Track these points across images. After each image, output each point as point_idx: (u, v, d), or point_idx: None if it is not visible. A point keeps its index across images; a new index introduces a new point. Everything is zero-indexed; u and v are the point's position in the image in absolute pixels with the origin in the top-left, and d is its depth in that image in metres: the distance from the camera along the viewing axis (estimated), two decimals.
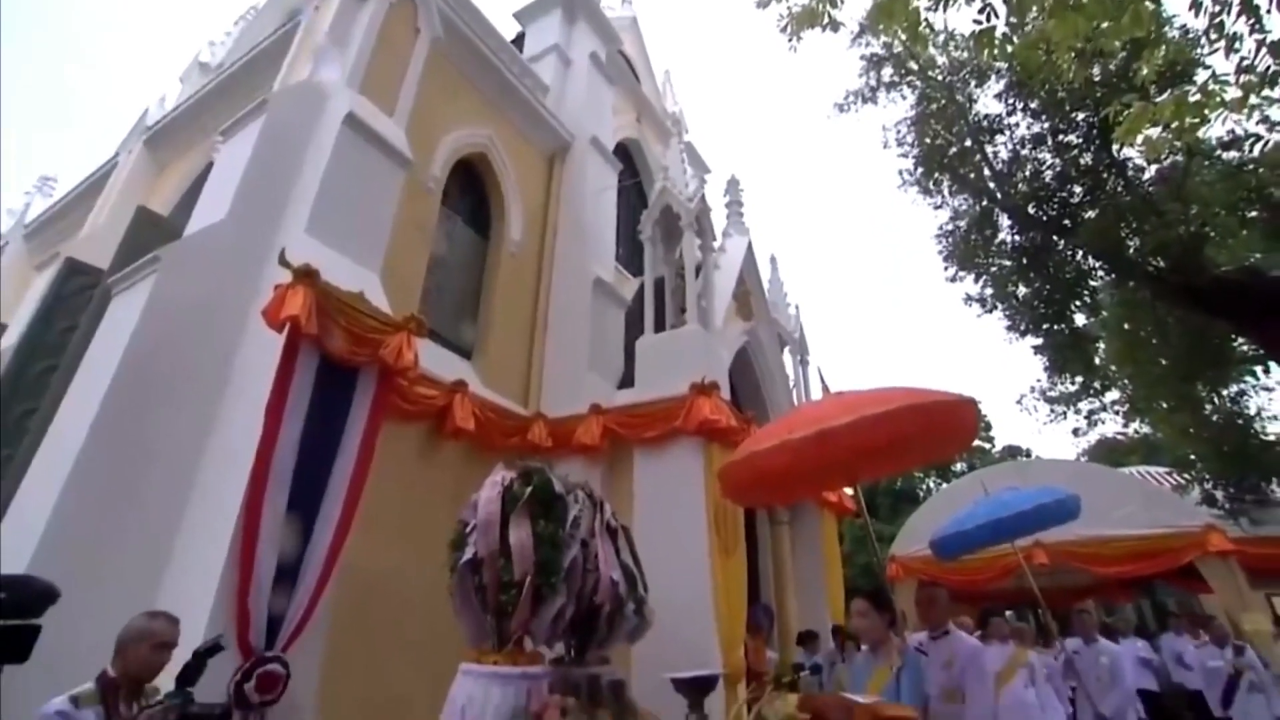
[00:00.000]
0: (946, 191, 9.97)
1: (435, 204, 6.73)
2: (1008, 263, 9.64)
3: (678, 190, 7.32)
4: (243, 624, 3.50)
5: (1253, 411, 10.03)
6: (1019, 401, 14.45)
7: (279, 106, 5.34)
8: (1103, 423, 12.23)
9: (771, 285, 9.91)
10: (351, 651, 4.34)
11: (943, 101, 9.18)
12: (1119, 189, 8.36)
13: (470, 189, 7.66)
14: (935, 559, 6.41)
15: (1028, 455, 21.48)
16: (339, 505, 4.03)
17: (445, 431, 5.47)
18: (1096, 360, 10.88)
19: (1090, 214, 8.49)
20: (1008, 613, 5.84)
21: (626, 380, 6.81)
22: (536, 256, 7.85)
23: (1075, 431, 12.82)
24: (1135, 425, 14.56)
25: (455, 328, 6.79)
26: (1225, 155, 7.72)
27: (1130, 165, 8.38)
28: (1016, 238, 9.67)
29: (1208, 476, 10.09)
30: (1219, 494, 9.85)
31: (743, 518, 5.71)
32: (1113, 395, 11.98)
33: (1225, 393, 10.13)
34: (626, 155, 10.82)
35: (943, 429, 3.07)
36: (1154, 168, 8.15)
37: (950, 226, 10.05)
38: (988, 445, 24.43)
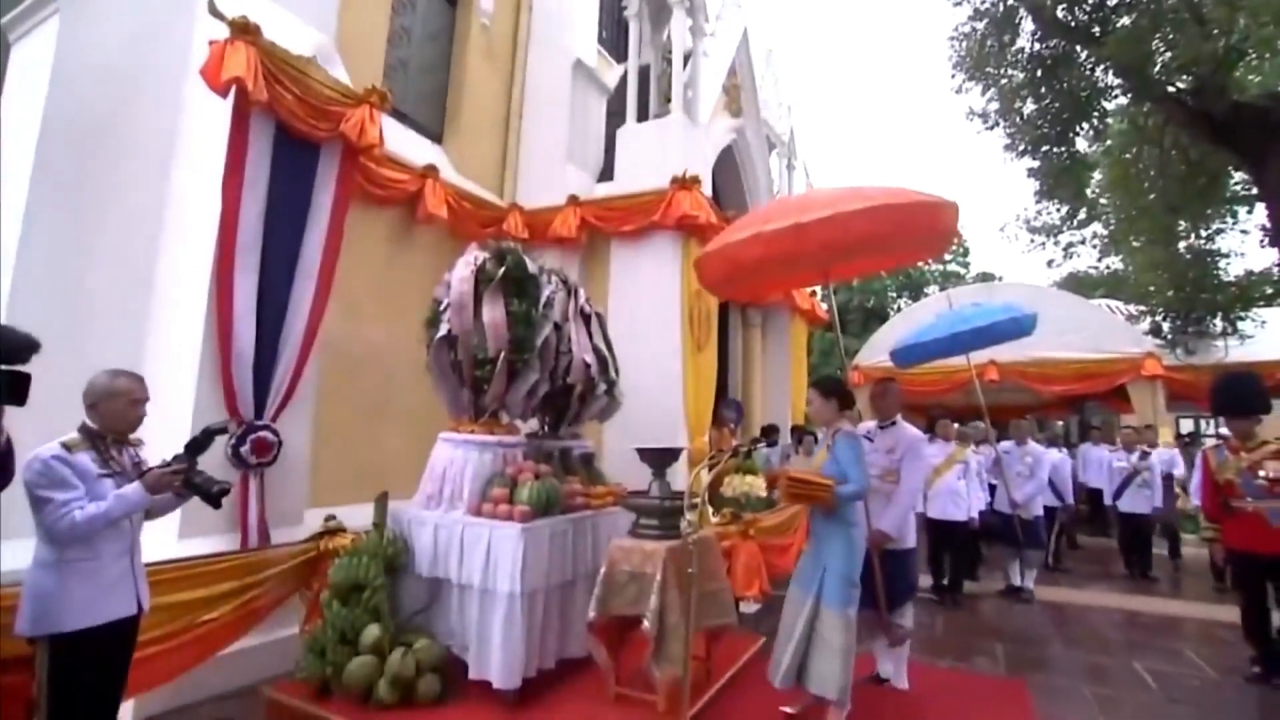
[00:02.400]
0: None
1: None
2: (1020, 74, 9.06)
3: None
4: (229, 395, 3.64)
5: (1224, 251, 10.29)
6: (1002, 229, 14.41)
7: None
8: (1077, 255, 12.45)
9: (765, 81, 9.14)
10: (340, 420, 4.60)
11: None
12: None
13: None
14: (895, 368, 6.79)
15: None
16: (312, 282, 3.99)
17: (418, 218, 5.29)
18: (1088, 192, 10.77)
19: (1125, 20, 7.79)
20: (955, 425, 6.36)
21: (606, 173, 6.53)
22: (511, 32, 7.01)
23: (1050, 263, 13.05)
24: (1107, 261, 14.86)
25: (423, 109, 6.25)
26: None
27: None
28: (1036, 45, 8.96)
29: (1161, 308, 10.53)
30: (1166, 325, 10.35)
31: (715, 316, 5.88)
32: (1093, 229, 12.06)
33: (1204, 231, 10.28)
34: None
35: (920, 230, 2.99)
36: None
37: (968, 28, 9.22)
38: (963, 270, 24.78)
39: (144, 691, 2.81)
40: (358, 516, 3.64)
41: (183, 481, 2.22)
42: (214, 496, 2.28)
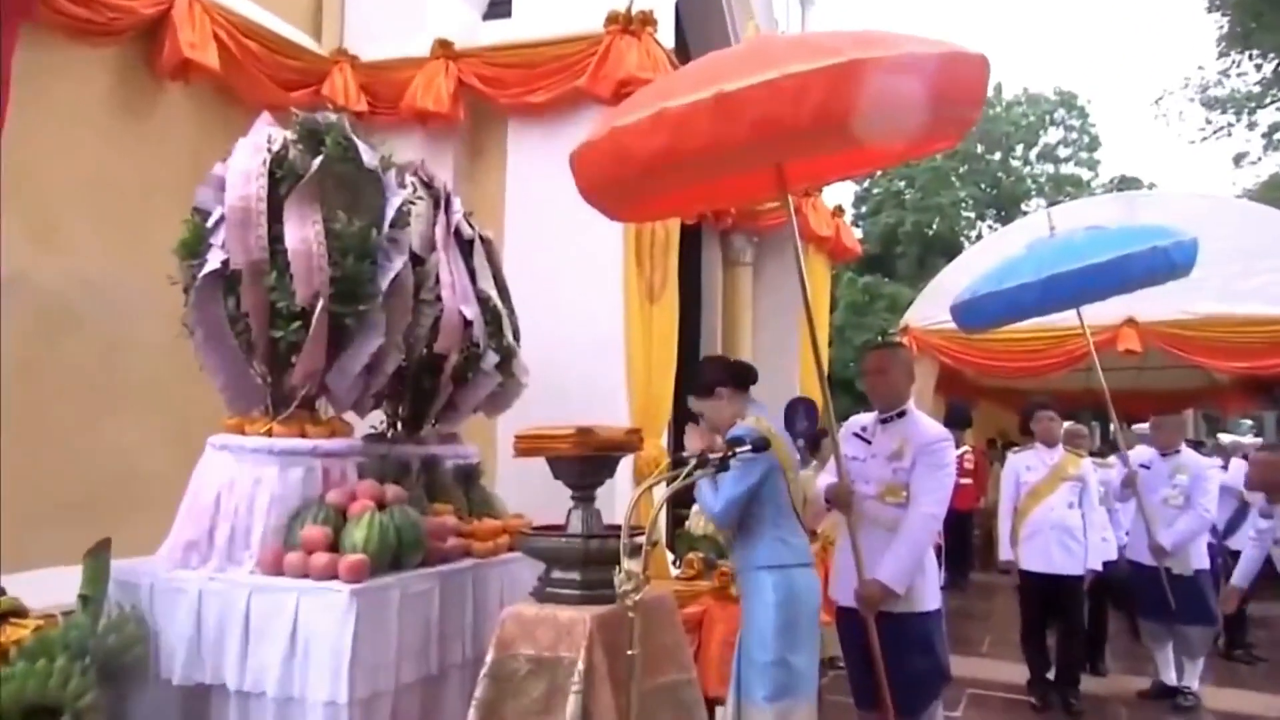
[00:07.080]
0: None
1: None
2: None
3: None
4: None
5: None
6: (1158, 102, 14.61)
7: None
8: None
9: None
10: (26, 417, 4.48)
11: None
12: None
13: None
14: (962, 332, 7.05)
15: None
16: None
17: (163, 68, 5.14)
18: None
19: None
20: (1066, 424, 6.59)
21: (499, 7, 6.52)
22: None
23: (1239, 159, 13.08)
24: None
25: None
26: None
27: None
28: None
29: None
30: None
31: (677, 247, 6.00)
32: None
33: None
34: None
35: (919, 101, 2.85)
36: None
37: None
38: (1088, 174, 25.50)
39: None
40: (55, 586, 3.58)
41: None
42: None
